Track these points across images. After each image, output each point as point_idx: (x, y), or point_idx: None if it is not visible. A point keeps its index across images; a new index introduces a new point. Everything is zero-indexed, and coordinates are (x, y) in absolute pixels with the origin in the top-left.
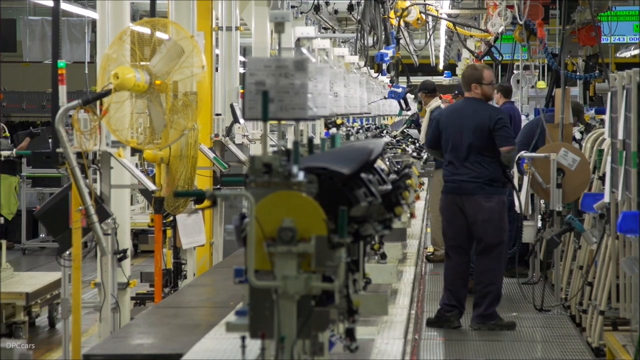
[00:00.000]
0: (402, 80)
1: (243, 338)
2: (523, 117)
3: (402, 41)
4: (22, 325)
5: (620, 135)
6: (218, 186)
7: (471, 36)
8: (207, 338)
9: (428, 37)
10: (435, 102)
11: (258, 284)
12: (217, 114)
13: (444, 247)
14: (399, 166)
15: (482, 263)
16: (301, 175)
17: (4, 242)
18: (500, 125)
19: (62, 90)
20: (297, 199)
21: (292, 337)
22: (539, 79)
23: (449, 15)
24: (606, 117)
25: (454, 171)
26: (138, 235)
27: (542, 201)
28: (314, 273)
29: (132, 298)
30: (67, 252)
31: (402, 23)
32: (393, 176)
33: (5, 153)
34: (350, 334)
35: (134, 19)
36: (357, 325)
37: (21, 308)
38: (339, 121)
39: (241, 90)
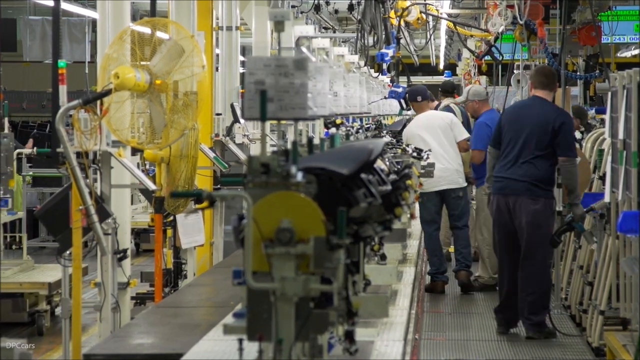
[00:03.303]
0: (403, 80)
1: (240, 340)
2: None
3: (402, 41)
4: (45, 314)
5: (621, 135)
6: (218, 186)
7: (471, 36)
8: (206, 339)
9: (428, 36)
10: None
11: (256, 286)
12: (218, 114)
13: (446, 247)
14: (399, 166)
15: (525, 269)
16: (300, 176)
17: (24, 236)
18: (564, 130)
19: (63, 89)
20: (295, 199)
21: (290, 340)
22: None
23: (450, 15)
24: (606, 117)
25: (502, 169)
26: (140, 234)
27: None
28: (312, 275)
29: (133, 298)
30: (68, 252)
31: (402, 23)
32: (393, 176)
33: (26, 151)
34: (349, 336)
35: (134, 18)
36: (357, 326)
37: (44, 297)
38: (338, 121)
39: (241, 90)
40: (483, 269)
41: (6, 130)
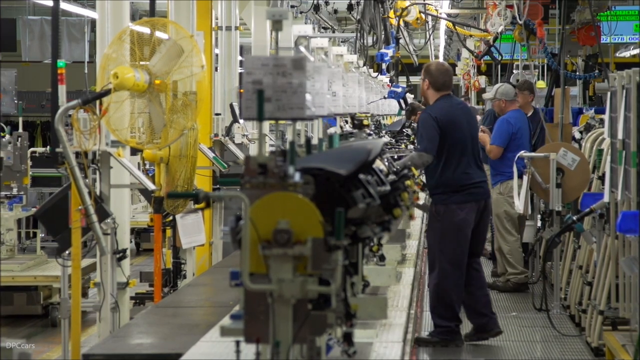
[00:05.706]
0: (402, 80)
1: (238, 342)
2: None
3: (401, 41)
4: (58, 306)
5: (620, 135)
6: (217, 186)
7: (471, 36)
8: (203, 341)
9: (428, 36)
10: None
11: (253, 288)
12: (217, 114)
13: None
14: (397, 167)
15: (479, 267)
16: (297, 176)
17: (38, 232)
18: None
19: (62, 89)
20: (293, 200)
21: (288, 342)
22: (538, 79)
23: (449, 15)
24: (606, 117)
25: (475, 175)
26: (140, 234)
27: (541, 201)
28: (310, 276)
29: (132, 298)
30: (67, 252)
31: (401, 23)
32: (392, 177)
33: (40, 150)
34: (348, 338)
35: (133, 18)
36: (356, 328)
37: (57, 290)
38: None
39: (241, 90)
40: (512, 267)
41: (20, 130)
